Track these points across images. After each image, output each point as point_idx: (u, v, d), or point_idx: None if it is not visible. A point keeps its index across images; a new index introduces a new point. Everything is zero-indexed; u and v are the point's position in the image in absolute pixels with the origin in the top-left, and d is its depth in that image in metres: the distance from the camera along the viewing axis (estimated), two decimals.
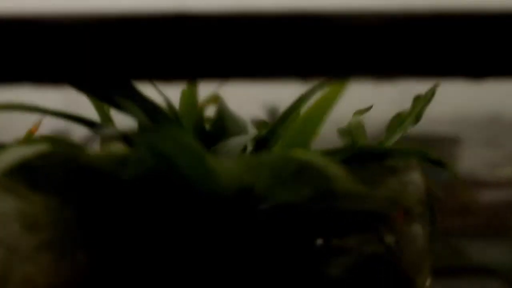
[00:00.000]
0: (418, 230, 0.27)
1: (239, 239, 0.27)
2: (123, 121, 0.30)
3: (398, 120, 0.35)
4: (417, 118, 0.34)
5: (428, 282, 0.30)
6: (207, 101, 0.37)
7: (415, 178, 0.27)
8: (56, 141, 0.28)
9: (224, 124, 0.35)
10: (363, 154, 0.29)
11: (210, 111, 0.38)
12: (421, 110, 0.34)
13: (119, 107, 0.29)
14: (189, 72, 0.23)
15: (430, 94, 0.34)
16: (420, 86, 0.37)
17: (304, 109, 0.28)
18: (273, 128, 0.31)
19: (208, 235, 0.27)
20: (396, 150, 0.30)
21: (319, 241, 0.27)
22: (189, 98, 0.32)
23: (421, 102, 0.34)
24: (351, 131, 0.36)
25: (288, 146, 0.27)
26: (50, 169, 0.28)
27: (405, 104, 0.37)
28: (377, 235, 0.27)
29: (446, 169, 0.29)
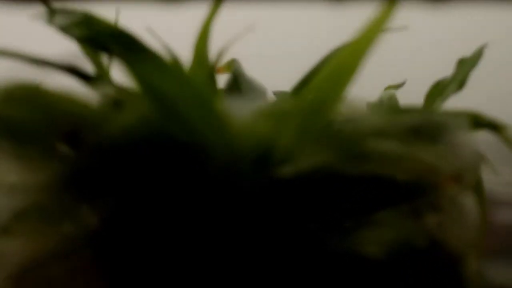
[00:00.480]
0: (470, 202, 0.23)
1: (257, 212, 0.23)
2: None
3: (439, 88, 0.30)
4: (461, 84, 0.29)
5: (478, 264, 0.25)
6: (223, 66, 0.33)
7: (466, 140, 0.22)
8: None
9: (239, 88, 0.30)
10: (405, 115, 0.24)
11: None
12: (466, 75, 0.29)
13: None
14: None
15: (477, 56, 0.30)
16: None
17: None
18: (301, 82, 0.27)
19: (218, 207, 0.23)
20: (443, 113, 0.25)
21: (351, 215, 0.23)
22: (200, 51, 0.27)
23: (467, 65, 0.30)
24: (383, 106, 0.31)
25: (317, 96, 0.22)
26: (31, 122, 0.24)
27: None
28: (420, 206, 0.22)
29: (499, 132, 0.24)
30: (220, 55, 0.27)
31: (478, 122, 0.25)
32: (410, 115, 0.23)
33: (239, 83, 0.31)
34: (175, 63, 0.20)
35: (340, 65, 0.23)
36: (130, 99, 0.22)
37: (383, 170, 0.22)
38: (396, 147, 0.22)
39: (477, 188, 0.28)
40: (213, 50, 0.30)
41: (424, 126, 0.22)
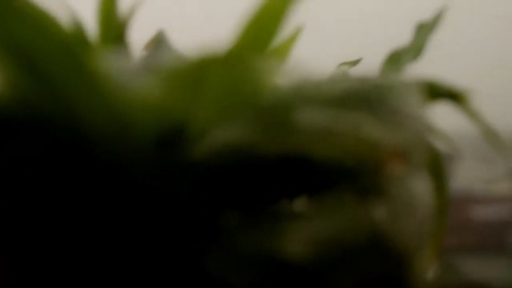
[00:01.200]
0: (420, 186, 0.18)
1: (159, 204, 0.18)
2: None
3: (394, 57, 0.25)
4: (418, 52, 0.25)
5: (431, 264, 0.21)
6: (151, 41, 0.28)
7: (417, 110, 0.18)
8: None
9: (158, 57, 0.25)
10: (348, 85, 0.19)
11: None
12: (423, 41, 0.25)
13: None
14: None
15: (435, 21, 0.25)
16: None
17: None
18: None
19: (109, 202, 0.18)
20: (403, 80, 0.21)
21: (269, 206, 0.18)
22: (105, 13, 0.22)
23: (424, 31, 0.25)
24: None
25: (235, 56, 0.18)
26: None
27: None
28: (358, 192, 0.17)
29: (461, 103, 0.20)
30: (128, 17, 0.22)
31: (434, 91, 0.21)
32: (346, 81, 0.18)
33: (160, 55, 0.26)
34: (40, 13, 0.16)
35: (262, 16, 0.18)
36: None
37: (311, 147, 0.17)
38: (327, 119, 0.17)
39: (436, 170, 0.23)
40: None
41: (363, 93, 0.17)
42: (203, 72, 0.17)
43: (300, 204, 0.17)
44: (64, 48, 0.15)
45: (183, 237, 0.17)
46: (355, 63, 0.29)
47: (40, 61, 0.15)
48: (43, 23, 0.15)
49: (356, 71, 0.29)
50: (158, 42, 0.27)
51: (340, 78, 0.18)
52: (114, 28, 0.22)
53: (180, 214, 0.17)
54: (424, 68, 0.27)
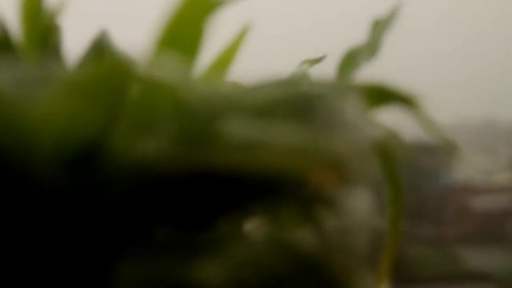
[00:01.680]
0: (358, 199, 0.16)
1: (79, 233, 0.16)
2: None
3: (351, 56, 0.24)
4: (374, 50, 0.23)
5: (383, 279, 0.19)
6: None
7: (356, 117, 0.16)
8: None
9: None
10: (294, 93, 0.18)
11: None
12: (379, 38, 0.23)
13: None
14: None
15: (392, 17, 0.24)
16: None
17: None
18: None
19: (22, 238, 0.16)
20: (343, 85, 0.19)
21: (186, 228, 0.16)
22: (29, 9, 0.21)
23: (380, 28, 0.24)
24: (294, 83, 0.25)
25: (160, 64, 0.16)
26: None
27: None
28: (286, 208, 0.16)
29: (411, 108, 0.18)
30: (53, 14, 0.21)
31: (383, 96, 0.19)
32: (279, 87, 0.17)
33: (100, 55, 0.24)
34: None
35: (183, 15, 0.16)
36: None
37: (235, 162, 0.15)
38: (252, 129, 0.15)
39: (390, 178, 0.22)
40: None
41: (292, 101, 0.16)
42: (117, 84, 0.15)
43: (222, 227, 0.15)
44: None
45: (92, 254, 0.16)
46: (316, 61, 0.28)
47: None
48: None
49: (317, 70, 0.28)
50: (98, 43, 0.25)
51: (270, 85, 0.16)
52: (40, 27, 0.20)
53: (94, 231, 0.16)
54: (382, 66, 0.25)
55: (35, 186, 0.15)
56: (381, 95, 0.18)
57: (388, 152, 0.21)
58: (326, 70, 0.28)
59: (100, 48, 0.24)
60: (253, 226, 0.15)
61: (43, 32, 0.20)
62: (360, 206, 0.16)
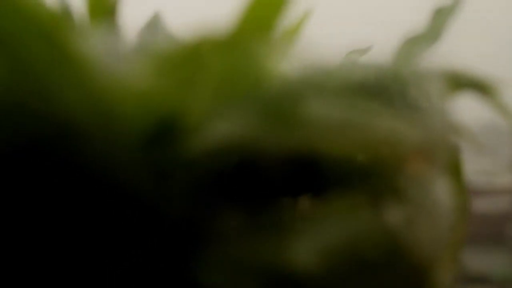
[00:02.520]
0: (442, 189, 0.16)
1: (158, 209, 0.16)
2: None
3: (412, 41, 0.23)
4: (436, 36, 0.23)
5: (450, 275, 0.19)
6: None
7: (439, 105, 0.16)
8: None
9: (150, 41, 0.23)
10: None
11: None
12: (442, 25, 0.23)
13: None
14: None
15: (454, 5, 0.23)
16: None
17: None
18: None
19: (97, 215, 0.16)
20: (424, 70, 0.19)
21: (274, 210, 0.16)
22: None
23: (443, 15, 0.23)
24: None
25: (244, 38, 0.15)
26: None
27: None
28: (374, 194, 0.15)
29: (488, 94, 0.18)
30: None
31: (459, 82, 0.19)
32: (362, 69, 0.16)
33: (154, 39, 0.24)
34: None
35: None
36: None
37: (322, 143, 0.15)
38: (340, 111, 0.15)
39: (455, 170, 0.21)
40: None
41: (380, 84, 0.15)
42: (200, 57, 0.14)
43: (305, 205, 0.15)
44: (39, 29, 0.13)
45: (174, 242, 0.15)
46: (365, 51, 0.27)
47: (12, 44, 0.13)
48: (14, 3, 0.13)
49: (366, 60, 0.27)
50: (153, 25, 0.25)
51: (354, 65, 0.16)
52: (103, 5, 0.20)
53: (173, 216, 0.15)
54: (442, 55, 0.25)
55: (112, 159, 0.15)
56: (457, 81, 0.18)
57: (451, 145, 0.21)
58: (376, 59, 0.28)
59: (154, 30, 0.24)
60: (342, 208, 0.15)
61: (106, 11, 0.19)
62: (443, 193, 0.16)
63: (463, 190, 0.21)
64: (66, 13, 0.19)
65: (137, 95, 0.15)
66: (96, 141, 0.15)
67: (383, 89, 0.15)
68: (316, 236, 0.15)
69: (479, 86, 0.18)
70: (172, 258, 0.15)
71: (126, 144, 0.15)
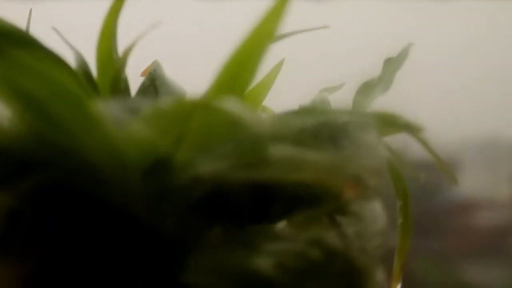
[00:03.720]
0: (375, 209, 0.20)
1: (151, 229, 0.20)
2: None
3: (366, 89, 0.28)
4: (387, 84, 0.27)
5: (396, 279, 0.23)
6: (147, 69, 0.30)
7: (372, 141, 0.20)
8: None
9: (155, 92, 0.28)
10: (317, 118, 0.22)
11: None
12: (392, 75, 0.27)
13: None
14: None
15: (403, 56, 0.28)
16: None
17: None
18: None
19: (106, 229, 0.20)
20: (361, 115, 0.23)
21: (250, 226, 0.20)
22: (105, 47, 0.25)
23: (393, 65, 0.27)
24: (315, 108, 0.29)
25: (218, 98, 0.20)
26: None
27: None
28: (319, 214, 0.19)
29: (415, 134, 0.22)
30: (126, 53, 0.25)
31: (394, 123, 0.23)
32: (311, 116, 0.21)
33: (155, 85, 0.28)
34: (47, 64, 0.18)
35: (234, 63, 0.20)
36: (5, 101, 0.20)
37: (280, 176, 0.19)
38: (292, 152, 0.19)
39: (402, 194, 0.26)
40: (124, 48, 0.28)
41: (325, 128, 0.20)
42: (185, 114, 0.19)
43: (276, 226, 0.19)
44: (70, 95, 0.17)
45: (166, 252, 0.19)
46: (334, 89, 0.32)
47: (49, 106, 0.18)
48: (52, 74, 0.18)
49: (334, 97, 0.32)
50: (154, 72, 0.29)
51: (301, 114, 0.20)
52: (112, 64, 0.24)
53: (165, 232, 0.20)
54: (396, 97, 0.29)
55: (120, 188, 0.19)
56: (392, 123, 0.22)
57: (397, 170, 0.25)
58: (341, 97, 0.32)
59: (155, 79, 0.29)
60: (301, 225, 0.19)
61: (115, 67, 0.24)
62: (375, 213, 0.20)
63: (408, 210, 0.25)
64: (84, 71, 0.24)
65: (139, 142, 0.19)
66: (107, 174, 0.19)
67: (329, 133, 0.20)
68: (276, 246, 0.19)
69: (408, 128, 0.22)
70: (164, 264, 0.19)
71: (129, 177, 0.20)
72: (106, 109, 0.18)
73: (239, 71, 0.20)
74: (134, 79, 0.30)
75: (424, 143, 0.22)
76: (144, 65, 0.32)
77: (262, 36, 0.19)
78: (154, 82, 0.28)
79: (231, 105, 0.19)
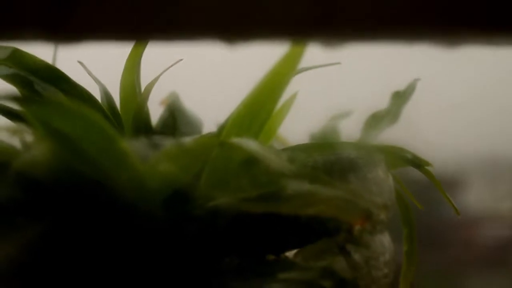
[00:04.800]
0: (383, 241, 0.21)
1: (172, 255, 0.21)
2: None
3: (374, 120, 0.29)
4: (395, 117, 0.28)
5: None
6: (165, 99, 0.32)
7: (381, 176, 0.21)
8: None
9: (174, 123, 0.29)
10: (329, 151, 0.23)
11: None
12: (400, 108, 0.28)
13: None
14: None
15: (410, 90, 0.28)
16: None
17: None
18: (226, 121, 0.25)
19: (131, 253, 0.21)
20: (369, 147, 0.24)
21: (258, 255, 0.21)
22: (129, 83, 0.26)
23: (400, 98, 0.28)
24: (325, 137, 0.30)
25: (235, 135, 0.21)
26: None
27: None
28: (331, 246, 0.20)
29: (422, 169, 0.23)
30: (148, 88, 0.26)
31: (400, 158, 0.24)
32: (322, 152, 0.22)
33: (174, 116, 0.29)
34: (76, 104, 0.19)
35: (254, 102, 0.21)
36: (38, 136, 0.21)
37: (294, 210, 0.20)
38: (306, 187, 0.20)
39: (408, 223, 0.26)
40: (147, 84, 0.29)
41: (336, 164, 0.21)
42: (202, 150, 0.20)
43: (291, 254, 0.20)
44: (102, 133, 0.18)
45: (185, 277, 0.20)
46: (343, 116, 0.33)
47: (81, 143, 0.19)
48: (84, 113, 0.19)
49: (344, 124, 0.33)
50: (172, 103, 0.30)
51: (319, 148, 0.21)
52: (135, 98, 0.25)
53: (184, 260, 0.21)
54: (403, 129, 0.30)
55: (142, 217, 0.20)
56: (399, 157, 0.23)
57: (404, 200, 0.26)
58: (350, 125, 0.33)
59: (174, 110, 0.30)
60: (316, 254, 0.20)
61: (138, 104, 0.25)
62: (384, 245, 0.21)
63: (414, 239, 0.26)
64: (109, 104, 0.25)
65: (161, 174, 0.20)
66: (132, 203, 0.20)
67: (340, 169, 0.21)
68: (290, 275, 0.20)
69: (415, 161, 0.23)
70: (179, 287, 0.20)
71: (151, 205, 0.21)
72: (132, 145, 0.19)
73: (256, 111, 0.21)
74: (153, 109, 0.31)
75: (430, 176, 0.23)
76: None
77: (280, 78, 0.20)
78: (173, 113, 0.29)
79: (249, 143, 0.20)
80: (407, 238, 0.26)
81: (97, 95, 0.27)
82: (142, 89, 0.27)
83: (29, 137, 0.21)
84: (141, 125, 0.27)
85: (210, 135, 0.20)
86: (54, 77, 0.24)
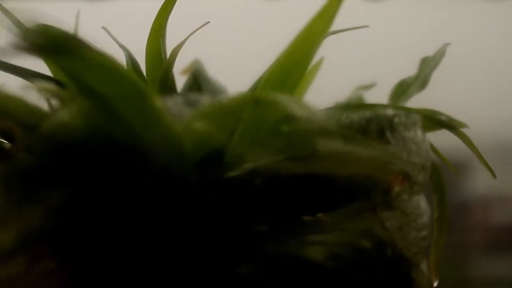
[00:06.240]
0: (420, 203, 0.20)
1: (200, 211, 0.21)
2: None
3: (402, 87, 0.28)
4: (423, 83, 0.27)
5: (433, 271, 0.23)
6: (188, 67, 0.31)
7: (419, 136, 0.20)
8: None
9: (198, 88, 0.28)
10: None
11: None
12: (428, 74, 0.27)
13: None
14: None
15: (439, 56, 0.28)
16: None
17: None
18: (257, 81, 0.25)
19: (166, 214, 0.20)
20: (402, 109, 0.23)
21: (295, 217, 0.20)
22: (154, 48, 0.25)
23: (429, 64, 0.28)
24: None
25: (263, 95, 0.20)
26: None
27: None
28: (368, 207, 0.20)
29: (457, 132, 0.22)
30: (175, 53, 0.25)
31: (435, 120, 0.23)
32: (359, 112, 0.21)
33: (198, 83, 0.29)
34: (112, 61, 0.18)
35: (287, 61, 0.21)
36: (68, 97, 0.20)
37: (329, 170, 0.19)
38: (342, 146, 0.19)
39: (439, 188, 0.26)
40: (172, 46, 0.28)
41: (373, 123, 0.20)
42: (236, 109, 0.19)
43: (325, 216, 0.19)
44: (136, 92, 0.18)
45: (220, 241, 0.20)
46: (369, 87, 0.32)
47: (115, 102, 0.18)
48: (113, 69, 0.18)
49: (369, 95, 0.32)
50: (196, 71, 0.30)
51: (356, 108, 0.20)
52: (161, 63, 0.25)
53: (218, 224, 0.20)
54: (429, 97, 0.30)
55: (176, 178, 0.20)
56: (434, 120, 0.23)
57: (435, 164, 0.25)
58: (376, 97, 0.32)
59: (197, 77, 0.29)
60: (350, 216, 0.19)
61: (164, 69, 0.24)
62: (421, 207, 0.20)
63: (445, 204, 0.25)
64: (135, 69, 0.24)
65: (196, 134, 0.20)
66: (164, 164, 0.20)
67: (377, 127, 0.20)
68: (327, 237, 0.19)
69: (450, 125, 0.22)
70: (219, 255, 0.20)
71: (185, 166, 0.20)
72: (167, 103, 0.18)
73: (291, 69, 0.20)
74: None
75: (465, 138, 0.22)
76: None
77: (315, 34, 0.20)
78: (197, 80, 0.29)
79: (285, 99, 0.20)
80: (438, 204, 0.25)
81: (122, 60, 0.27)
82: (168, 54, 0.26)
83: (57, 98, 0.21)
84: (167, 92, 0.26)
85: (247, 93, 0.20)
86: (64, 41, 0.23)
